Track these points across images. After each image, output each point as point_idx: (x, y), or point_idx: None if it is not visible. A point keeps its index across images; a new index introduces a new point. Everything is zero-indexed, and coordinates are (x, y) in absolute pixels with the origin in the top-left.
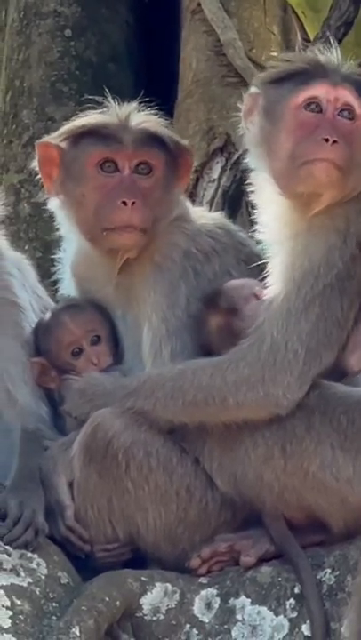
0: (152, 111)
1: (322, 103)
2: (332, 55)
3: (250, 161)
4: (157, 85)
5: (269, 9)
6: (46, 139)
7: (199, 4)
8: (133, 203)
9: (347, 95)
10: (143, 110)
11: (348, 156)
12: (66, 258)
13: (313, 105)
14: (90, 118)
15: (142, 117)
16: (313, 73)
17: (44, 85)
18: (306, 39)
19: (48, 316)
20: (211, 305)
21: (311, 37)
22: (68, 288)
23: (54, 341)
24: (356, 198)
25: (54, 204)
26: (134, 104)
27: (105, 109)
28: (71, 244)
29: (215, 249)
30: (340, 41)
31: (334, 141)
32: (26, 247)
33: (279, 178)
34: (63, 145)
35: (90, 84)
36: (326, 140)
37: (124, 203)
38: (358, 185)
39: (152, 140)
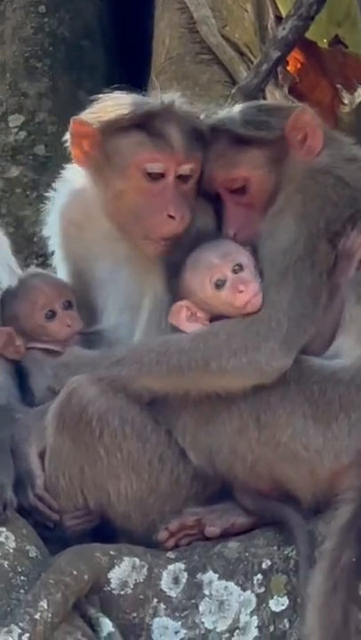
0: (192, 103)
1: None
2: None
3: None
4: (131, 62)
5: None
6: (85, 118)
7: None
8: (181, 216)
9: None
10: (185, 102)
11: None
12: (57, 198)
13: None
14: (136, 108)
15: (189, 114)
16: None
17: (18, 61)
18: (278, 16)
19: (16, 284)
20: None
21: (284, 14)
22: (51, 229)
23: (27, 304)
24: (311, 181)
25: (71, 175)
26: (178, 94)
27: (145, 96)
28: (68, 184)
29: None
30: (312, 18)
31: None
32: None
33: None
34: (106, 130)
35: (63, 61)
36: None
37: (172, 217)
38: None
39: (199, 142)
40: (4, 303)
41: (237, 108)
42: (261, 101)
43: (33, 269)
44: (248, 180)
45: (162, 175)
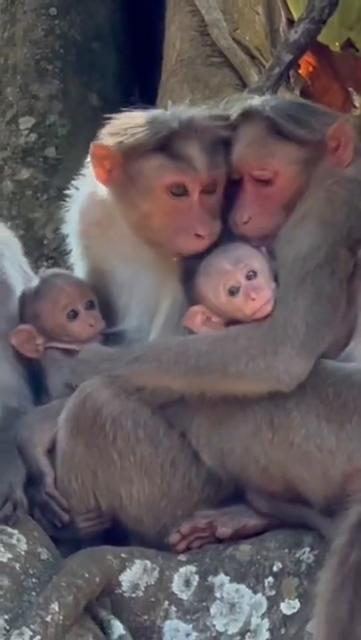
0: (212, 114)
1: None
2: None
3: None
4: (141, 65)
5: None
6: (106, 142)
7: None
8: (208, 234)
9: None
10: (203, 114)
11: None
12: (78, 196)
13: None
14: (155, 130)
15: (209, 126)
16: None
17: (29, 63)
18: (290, 19)
19: (37, 283)
20: None
21: (296, 18)
22: (70, 228)
23: (49, 303)
24: (339, 188)
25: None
26: (196, 109)
27: (161, 111)
28: (89, 183)
29: None
30: (324, 22)
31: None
32: (8, 224)
33: None
34: (127, 154)
35: (74, 63)
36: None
37: (199, 235)
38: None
39: (222, 153)
40: (25, 302)
41: (279, 100)
42: (304, 100)
43: (55, 269)
44: (278, 173)
45: (185, 192)
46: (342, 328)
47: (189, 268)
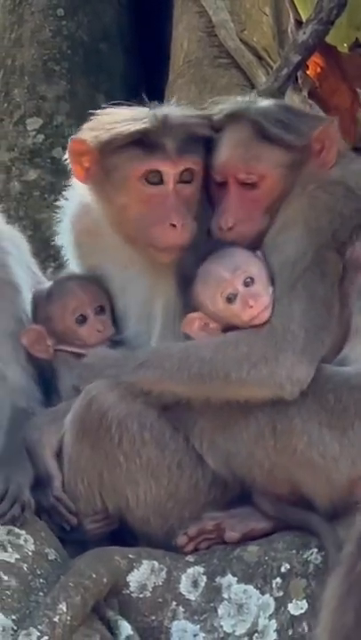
0: (191, 113)
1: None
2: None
3: None
4: (149, 66)
5: None
6: (83, 137)
7: None
8: (183, 225)
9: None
10: (180, 112)
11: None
12: (68, 207)
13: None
14: (131, 125)
15: (185, 123)
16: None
17: (36, 64)
18: (298, 20)
19: (51, 284)
20: None
21: (304, 19)
22: (64, 238)
23: (59, 307)
24: (323, 193)
25: (81, 185)
26: (176, 108)
27: (139, 107)
28: (78, 192)
29: None
30: (332, 22)
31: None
32: (16, 225)
33: None
34: (103, 149)
35: (81, 64)
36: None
37: (174, 225)
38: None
39: (198, 146)
40: (38, 304)
41: (265, 103)
42: (290, 103)
43: (70, 271)
44: (264, 177)
45: (160, 180)
46: (337, 331)
47: (186, 275)
